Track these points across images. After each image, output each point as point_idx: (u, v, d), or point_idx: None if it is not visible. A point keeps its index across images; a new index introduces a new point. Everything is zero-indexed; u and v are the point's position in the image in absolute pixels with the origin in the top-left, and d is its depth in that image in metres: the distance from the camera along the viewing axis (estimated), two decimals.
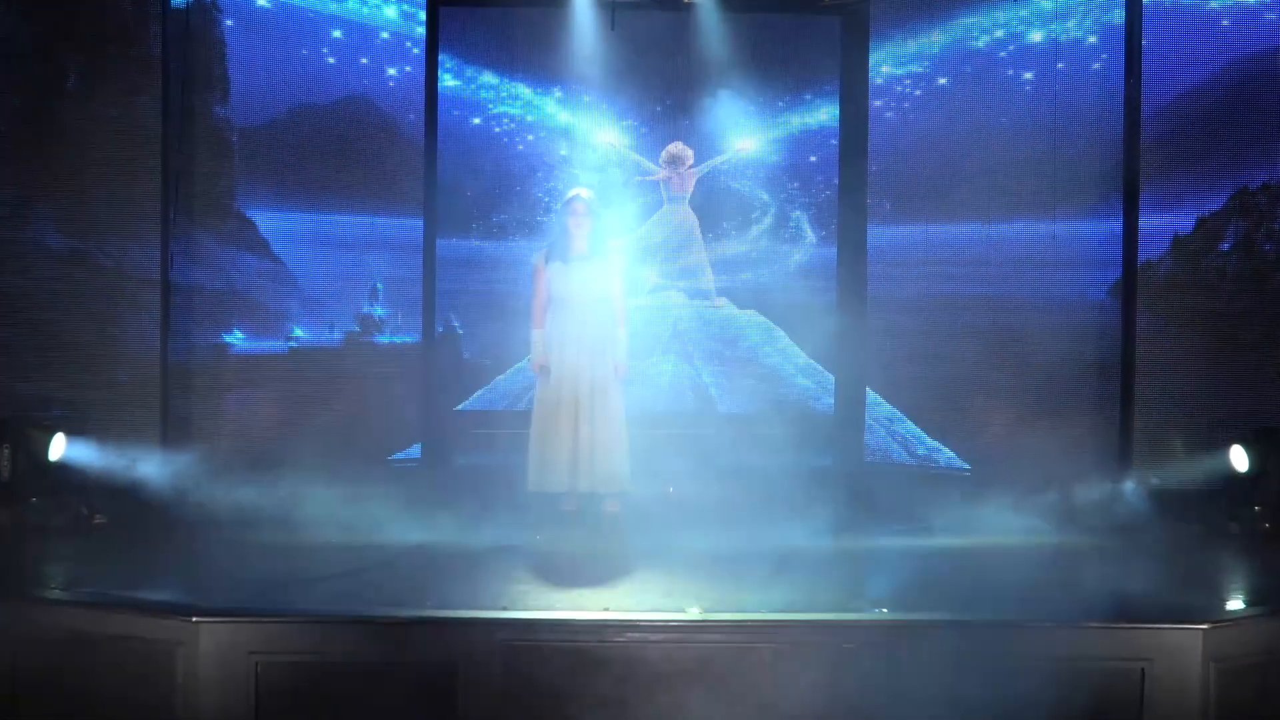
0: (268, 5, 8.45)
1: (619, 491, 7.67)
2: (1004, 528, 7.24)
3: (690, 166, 9.85)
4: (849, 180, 9.56)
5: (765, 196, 9.83)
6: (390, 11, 9.12)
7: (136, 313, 7.70)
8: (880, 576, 6.56)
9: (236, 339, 8.30)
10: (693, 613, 5.19)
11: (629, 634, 5.00)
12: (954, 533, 7.23)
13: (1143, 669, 4.93)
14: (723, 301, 9.91)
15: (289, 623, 5.06)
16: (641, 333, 9.44)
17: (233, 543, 6.76)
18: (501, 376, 9.73)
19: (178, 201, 7.85)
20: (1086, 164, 8.20)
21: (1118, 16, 7.99)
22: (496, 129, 9.77)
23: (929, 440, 9.04)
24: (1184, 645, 4.94)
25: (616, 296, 7.68)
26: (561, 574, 6.31)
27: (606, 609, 5.34)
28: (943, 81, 9.00)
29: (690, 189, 9.87)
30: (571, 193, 7.82)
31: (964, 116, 8.89)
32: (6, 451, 7.13)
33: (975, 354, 8.78)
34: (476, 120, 9.74)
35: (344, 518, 7.17)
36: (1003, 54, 8.70)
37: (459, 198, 9.67)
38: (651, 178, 9.86)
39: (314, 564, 6.28)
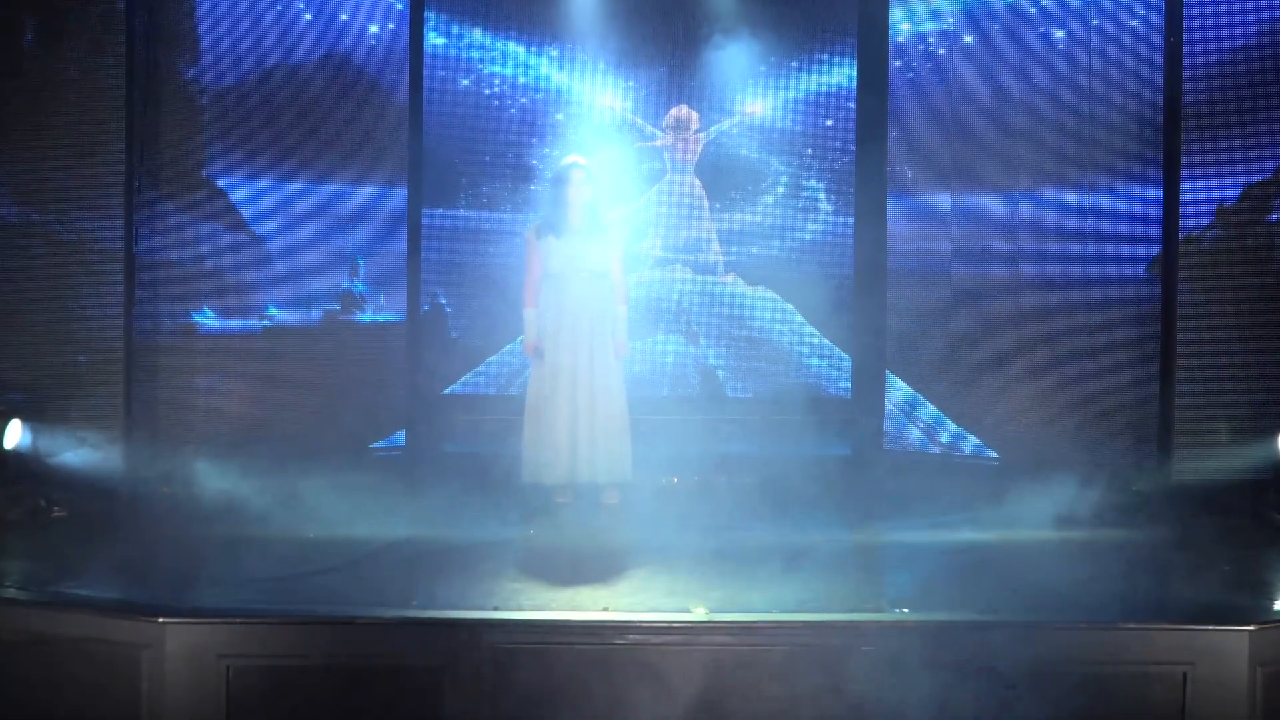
0: None
1: (619, 482, 7.67)
2: (1034, 521, 7.22)
3: (696, 131, 9.81)
4: (867, 146, 9.51)
5: (777, 164, 9.79)
6: None
7: (98, 289, 7.66)
8: (901, 574, 6.55)
9: (206, 318, 8.28)
10: (698, 613, 5.18)
11: (629, 636, 4.98)
12: (980, 526, 7.23)
13: (1184, 673, 4.92)
14: (731, 277, 9.88)
15: (263, 624, 5.05)
16: (643, 310, 9.42)
17: (202, 538, 6.76)
18: (492, 358, 9.71)
19: (143, 169, 7.81)
20: (1123, 129, 8.16)
21: None
22: (487, 91, 9.73)
23: (953, 427, 9.02)
24: (1228, 648, 4.92)
25: (615, 271, 7.67)
26: (557, 571, 6.30)
27: (605, 609, 5.35)
28: (968, 40, 8.96)
29: (696, 156, 9.83)
30: (567, 160, 7.82)
31: (991, 77, 8.84)
32: None
33: (1003, 333, 8.75)
34: (465, 81, 9.70)
35: (322, 510, 7.18)
36: (1033, 9, 8.65)
37: (446, 165, 9.64)
38: (654, 144, 9.82)
39: (290, 560, 6.30)
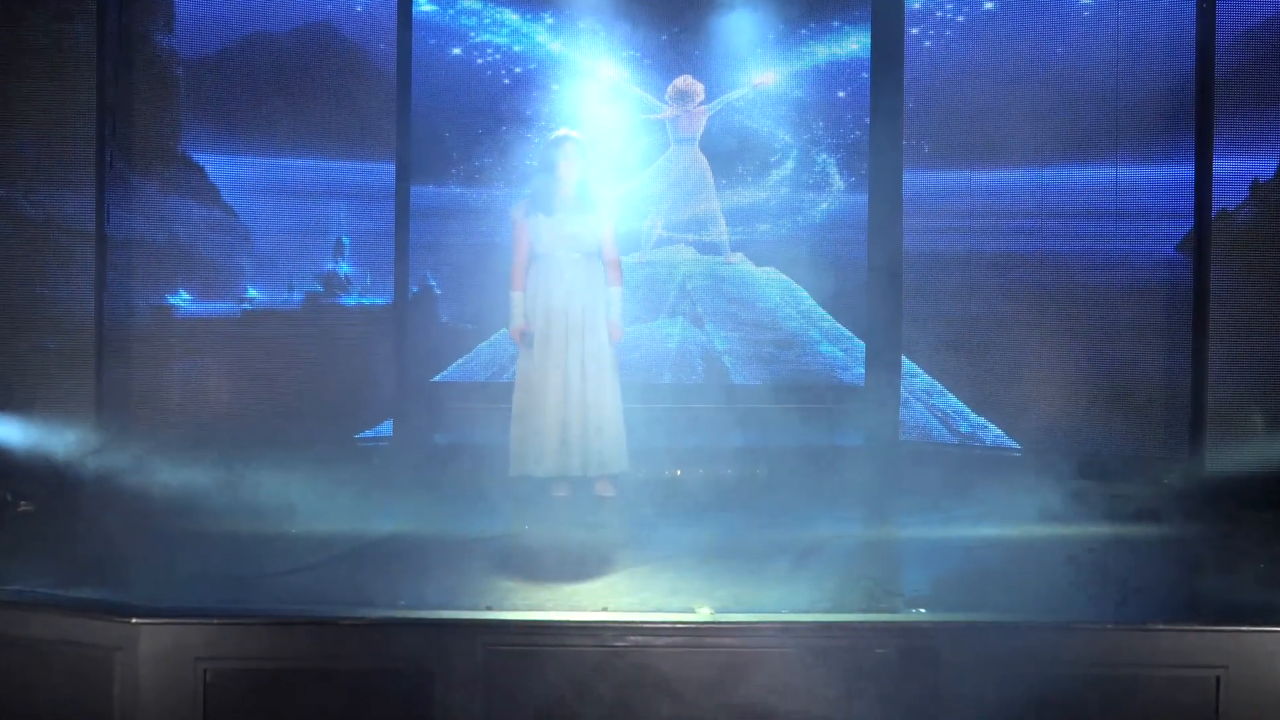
0: None
1: (616, 474, 7.66)
2: (1058, 516, 7.21)
3: (701, 103, 9.78)
4: (882, 119, 9.47)
5: (786, 137, 9.76)
6: None
7: (68, 270, 7.66)
8: (917, 571, 6.54)
9: (182, 300, 8.27)
10: (703, 613, 5.17)
11: (630, 637, 4.96)
12: (1002, 521, 7.21)
13: (1217, 677, 4.90)
14: (738, 257, 9.86)
15: (241, 624, 5.03)
16: (644, 292, 9.41)
17: (178, 533, 6.74)
18: (484, 344, 9.69)
19: (115, 143, 7.81)
20: (1153, 100, 8.15)
21: None
22: (479, 60, 9.70)
23: (973, 416, 9.01)
24: (1265, 650, 4.91)
25: (608, 249, 7.65)
26: (553, 569, 6.30)
27: (604, 609, 5.35)
28: (989, 6, 8.93)
29: (701, 129, 9.80)
30: (557, 133, 7.82)
31: (1013, 46, 8.82)
32: None
33: (1026, 316, 8.74)
34: (456, 50, 9.67)
35: (305, 504, 7.17)
36: None
37: (436, 139, 9.60)
38: (657, 116, 9.79)
39: (270, 557, 6.30)
